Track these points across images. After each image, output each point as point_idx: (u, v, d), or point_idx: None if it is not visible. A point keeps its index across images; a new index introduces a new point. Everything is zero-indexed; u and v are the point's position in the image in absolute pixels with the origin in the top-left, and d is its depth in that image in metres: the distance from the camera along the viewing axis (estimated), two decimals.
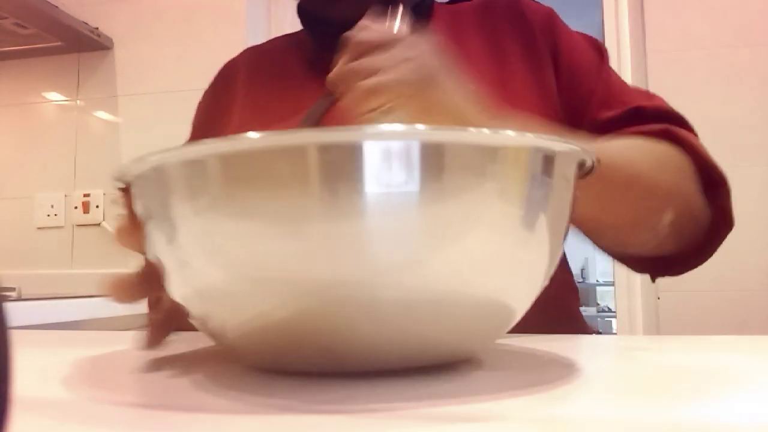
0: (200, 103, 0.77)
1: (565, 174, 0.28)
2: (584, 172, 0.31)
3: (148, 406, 0.25)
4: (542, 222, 0.27)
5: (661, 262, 0.59)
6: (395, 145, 0.24)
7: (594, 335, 0.52)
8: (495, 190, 0.25)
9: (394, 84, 0.44)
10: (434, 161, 0.24)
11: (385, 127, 0.25)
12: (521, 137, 0.26)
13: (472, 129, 0.25)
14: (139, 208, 0.30)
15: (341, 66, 0.46)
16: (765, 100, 1.48)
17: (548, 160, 0.27)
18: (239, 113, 0.69)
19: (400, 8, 0.49)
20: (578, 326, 0.65)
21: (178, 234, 0.27)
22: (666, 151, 0.55)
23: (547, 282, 0.30)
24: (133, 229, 0.32)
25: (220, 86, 0.76)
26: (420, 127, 0.24)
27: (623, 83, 0.65)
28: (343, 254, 0.24)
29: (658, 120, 0.59)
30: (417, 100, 0.44)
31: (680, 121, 0.61)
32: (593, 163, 0.30)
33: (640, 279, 1.51)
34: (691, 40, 1.53)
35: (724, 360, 0.34)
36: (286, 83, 0.69)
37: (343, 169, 0.24)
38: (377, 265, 0.25)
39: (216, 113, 0.72)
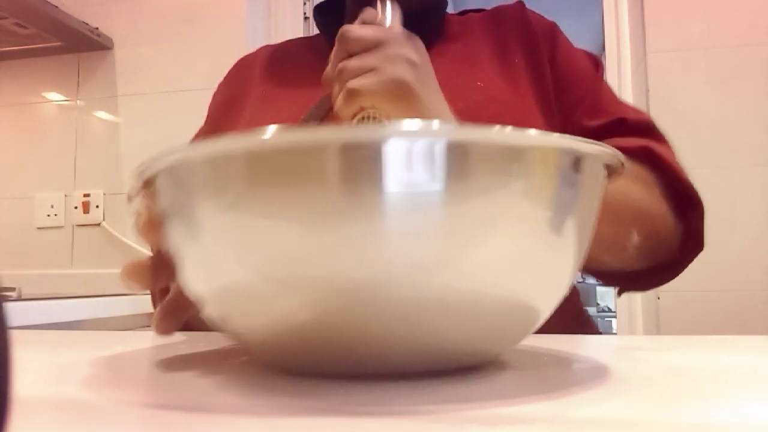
0: (215, 94, 0.78)
1: (594, 175, 0.28)
2: (613, 172, 0.31)
3: (156, 405, 0.25)
4: (570, 223, 0.27)
5: (629, 278, 0.59)
6: (420, 144, 0.24)
7: (597, 335, 0.53)
8: (521, 190, 0.25)
9: (376, 86, 0.44)
10: (459, 161, 0.24)
11: (411, 125, 0.24)
12: (550, 138, 0.26)
13: (499, 128, 0.24)
14: (160, 204, 0.30)
15: (333, 63, 0.46)
16: (765, 100, 1.48)
17: (577, 162, 0.27)
18: (250, 108, 0.69)
19: (388, 3, 0.50)
20: (586, 325, 0.66)
21: (199, 232, 0.27)
22: (639, 173, 0.56)
23: (573, 283, 0.30)
24: (156, 225, 0.33)
25: (234, 80, 0.77)
26: (446, 126, 0.24)
27: (614, 96, 0.67)
28: (366, 254, 0.24)
29: (640, 133, 0.60)
30: (395, 103, 0.45)
31: (661, 137, 0.62)
32: (622, 163, 0.30)
33: None
34: (691, 40, 1.53)
35: (724, 360, 0.34)
36: (300, 82, 0.70)
37: (365, 168, 0.23)
38: (401, 265, 0.24)
39: (229, 106, 0.73)
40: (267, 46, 0.81)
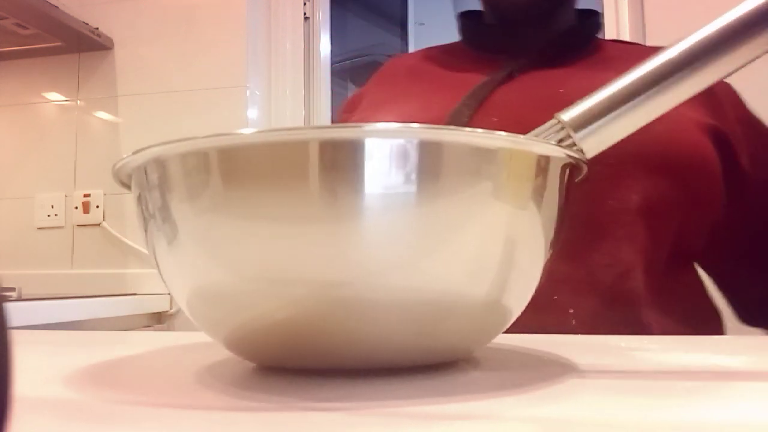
0: (353, 102, 0.79)
1: (558, 175, 0.29)
2: (579, 176, 0.32)
3: (155, 404, 0.25)
4: (537, 222, 0.28)
5: None
6: (394, 143, 0.24)
7: (599, 336, 0.53)
8: (490, 190, 0.26)
9: None
10: (432, 163, 0.25)
11: (384, 125, 0.25)
12: (516, 140, 0.26)
13: (468, 129, 0.25)
14: (136, 204, 0.30)
15: None
16: (765, 100, 1.48)
17: (542, 163, 0.28)
18: (395, 108, 0.70)
19: None
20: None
21: (177, 234, 0.27)
22: None
23: (540, 281, 0.31)
24: None
25: (379, 84, 0.78)
26: (417, 125, 0.25)
27: None
28: (340, 254, 0.25)
29: None
30: None
31: None
32: (585, 163, 0.31)
33: None
34: None
35: (724, 360, 0.34)
36: (448, 73, 0.71)
37: (341, 167, 0.24)
38: (374, 265, 0.25)
39: (375, 107, 0.74)
40: (399, 56, 0.83)
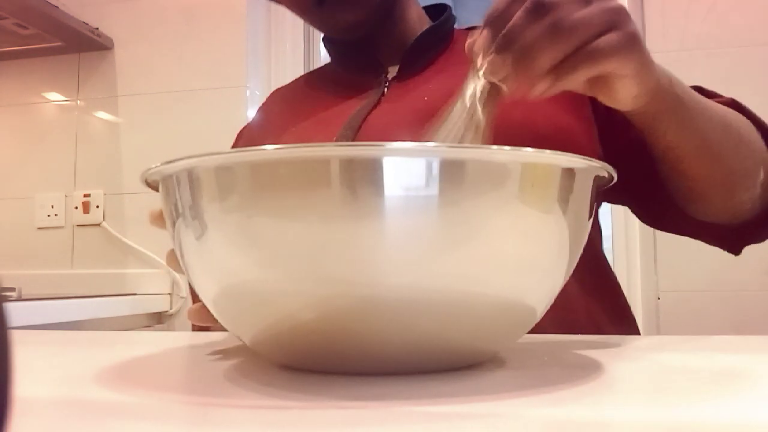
0: (238, 136, 0.83)
1: (584, 184, 0.30)
2: (605, 182, 0.33)
3: (156, 403, 0.25)
4: (562, 227, 0.28)
5: (739, 231, 0.63)
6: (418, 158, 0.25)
7: (597, 336, 0.53)
8: (514, 196, 0.26)
9: (620, 44, 0.39)
10: (453, 173, 0.25)
11: (405, 144, 0.26)
12: (541, 155, 0.27)
13: (493, 147, 0.26)
14: (165, 208, 0.30)
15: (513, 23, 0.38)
16: (765, 100, 1.48)
17: (568, 175, 0.28)
18: (283, 136, 0.71)
19: None
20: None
21: (206, 233, 0.27)
22: (743, 119, 0.59)
23: (563, 283, 0.31)
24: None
25: (257, 123, 0.80)
26: (437, 145, 0.26)
27: None
28: (366, 256, 0.25)
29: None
30: (633, 61, 0.40)
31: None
32: (612, 175, 0.32)
33: (640, 279, 1.51)
34: (691, 40, 1.53)
35: (724, 360, 0.34)
36: (323, 105, 0.72)
37: (364, 177, 0.25)
38: (400, 267, 0.25)
39: (260, 139, 0.76)
40: (277, 90, 0.84)
